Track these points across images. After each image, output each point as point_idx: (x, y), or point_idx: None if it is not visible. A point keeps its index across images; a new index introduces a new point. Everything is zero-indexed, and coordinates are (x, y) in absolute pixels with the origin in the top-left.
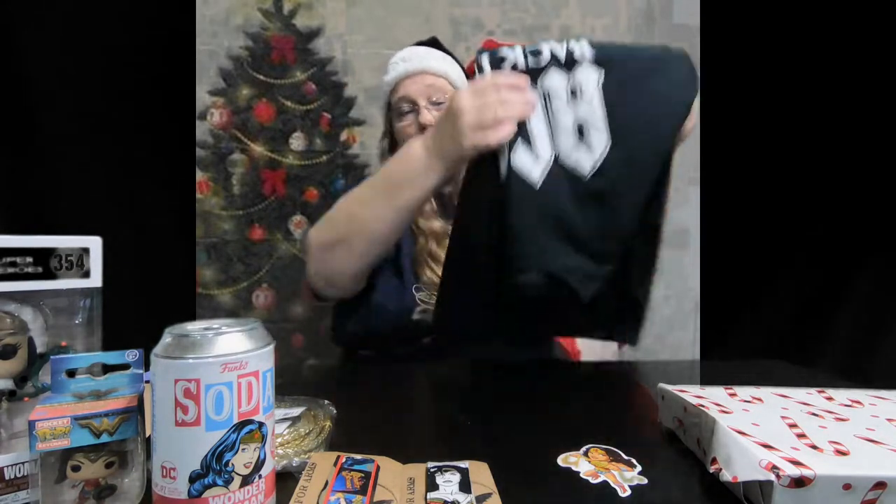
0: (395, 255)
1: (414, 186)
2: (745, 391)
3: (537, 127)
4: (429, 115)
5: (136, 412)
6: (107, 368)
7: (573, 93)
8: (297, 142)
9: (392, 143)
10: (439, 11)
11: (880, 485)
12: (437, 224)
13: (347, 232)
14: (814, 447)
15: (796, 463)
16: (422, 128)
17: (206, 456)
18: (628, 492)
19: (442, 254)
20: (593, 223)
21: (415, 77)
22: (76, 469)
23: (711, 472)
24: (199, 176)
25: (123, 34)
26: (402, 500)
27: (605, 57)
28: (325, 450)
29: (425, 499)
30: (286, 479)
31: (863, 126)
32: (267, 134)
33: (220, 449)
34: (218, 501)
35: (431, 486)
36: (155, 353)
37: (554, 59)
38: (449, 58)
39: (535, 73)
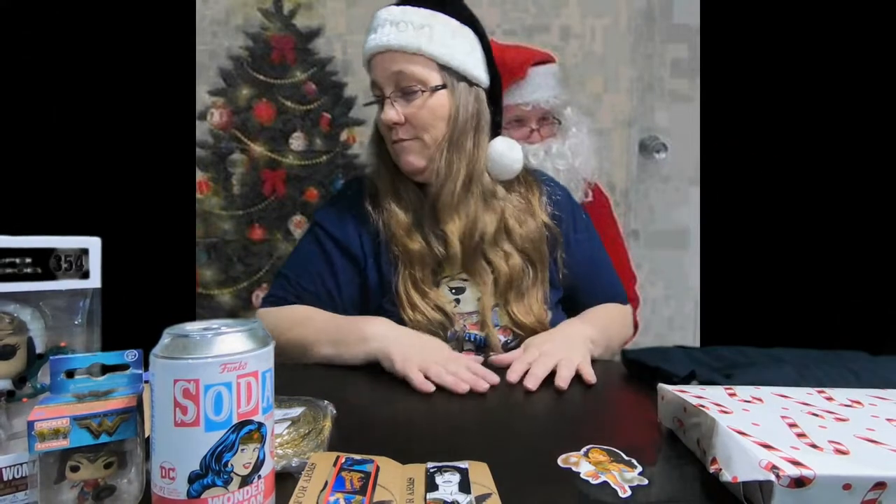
0: (385, 284)
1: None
2: (745, 391)
3: None
4: (389, 113)
5: (135, 412)
6: (106, 369)
7: None
8: (297, 142)
9: (376, 129)
10: None
11: (880, 485)
12: (416, 245)
13: (290, 354)
14: (814, 446)
15: (796, 463)
16: (387, 127)
17: (205, 456)
18: (628, 492)
19: (427, 280)
20: None
21: (382, 56)
22: (75, 469)
23: (711, 472)
24: (199, 176)
25: (123, 34)
26: (401, 501)
27: None
28: (325, 450)
29: (425, 499)
30: (286, 480)
31: (863, 125)
32: (267, 134)
33: (219, 449)
34: (217, 502)
35: (431, 486)
36: (154, 354)
37: None
38: (438, 19)
39: None
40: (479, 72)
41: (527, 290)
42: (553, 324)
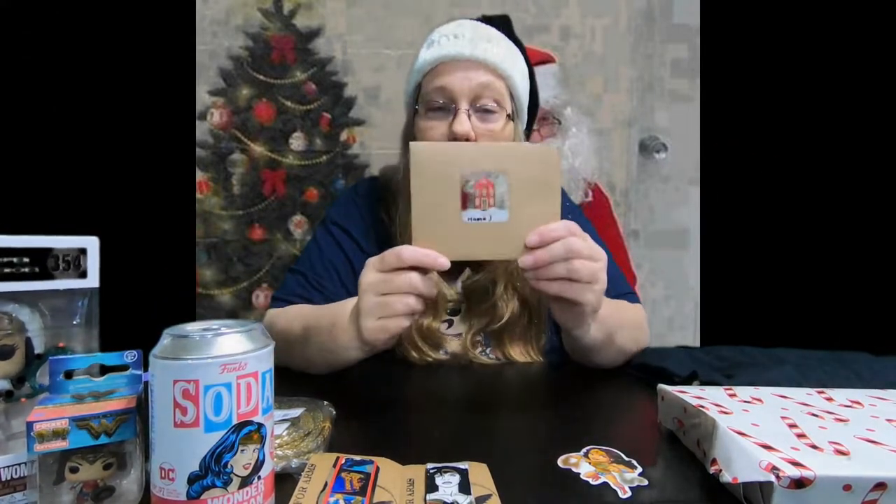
0: None
1: (343, 357)
2: (744, 392)
3: None
4: (466, 125)
5: (134, 413)
6: (105, 369)
7: None
8: (297, 142)
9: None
10: (439, 11)
11: (880, 485)
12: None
13: (286, 354)
14: (814, 447)
15: (796, 464)
16: (453, 137)
17: (204, 457)
18: (629, 493)
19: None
20: None
21: (466, 66)
22: (74, 470)
23: (711, 473)
24: (199, 176)
25: (124, 34)
26: (401, 502)
27: None
28: (325, 451)
29: (425, 500)
30: (285, 481)
31: (863, 124)
32: (267, 134)
33: (218, 450)
34: (217, 503)
35: (431, 487)
36: (154, 354)
37: None
38: (517, 51)
39: None
40: (525, 120)
41: (520, 333)
42: (550, 350)
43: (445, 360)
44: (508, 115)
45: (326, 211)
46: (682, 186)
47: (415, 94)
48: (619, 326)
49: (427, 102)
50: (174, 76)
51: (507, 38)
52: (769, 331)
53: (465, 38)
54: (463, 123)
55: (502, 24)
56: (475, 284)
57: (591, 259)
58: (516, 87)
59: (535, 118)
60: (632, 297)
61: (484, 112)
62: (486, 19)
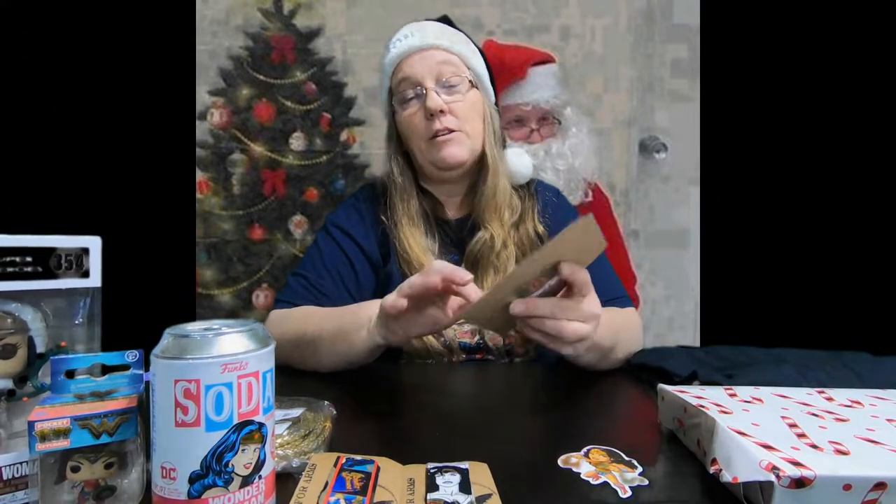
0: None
1: (364, 359)
2: (745, 391)
3: None
4: (437, 100)
5: (135, 413)
6: (106, 369)
7: None
8: (297, 142)
9: (398, 141)
10: (439, 11)
11: (880, 485)
12: (430, 260)
13: (296, 356)
14: (814, 447)
15: (796, 464)
16: (430, 114)
17: (205, 457)
18: (629, 493)
19: None
20: None
21: (422, 53)
22: (76, 470)
23: (712, 472)
24: (199, 176)
25: (124, 34)
26: (402, 501)
27: None
28: (325, 450)
29: (425, 499)
30: (286, 480)
31: (863, 124)
32: (267, 134)
33: (220, 450)
34: (218, 502)
35: (431, 486)
36: (155, 354)
37: None
38: (462, 35)
39: None
40: (491, 93)
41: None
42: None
43: (445, 351)
44: (470, 82)
45: (328, 215)
46: (682, 186)
47: (389, 98)
48: (612, 346)
49: (400, 96)
50: (174, 76)
51: (450, 27)
52: (769, 331)
53: (414, 35)
54: (433, 99)
55: (444, 21)
56: (478, 244)
57: (579, 321)
58: (469, 59)
59: (498, 93)
60: (623, 300)
61: (449, 87)
62: (427, 20)
